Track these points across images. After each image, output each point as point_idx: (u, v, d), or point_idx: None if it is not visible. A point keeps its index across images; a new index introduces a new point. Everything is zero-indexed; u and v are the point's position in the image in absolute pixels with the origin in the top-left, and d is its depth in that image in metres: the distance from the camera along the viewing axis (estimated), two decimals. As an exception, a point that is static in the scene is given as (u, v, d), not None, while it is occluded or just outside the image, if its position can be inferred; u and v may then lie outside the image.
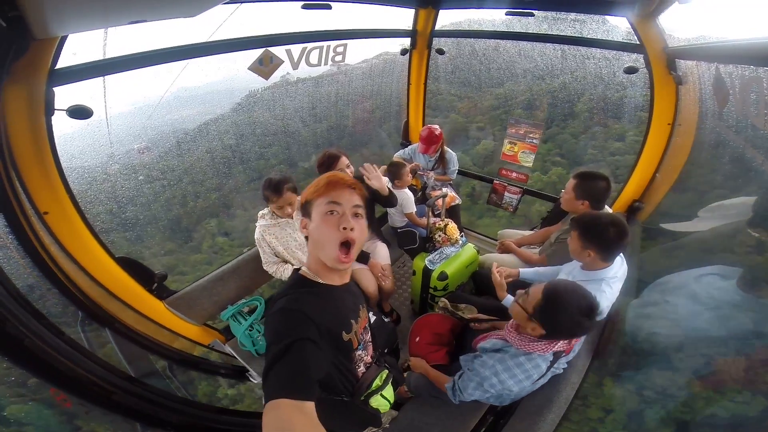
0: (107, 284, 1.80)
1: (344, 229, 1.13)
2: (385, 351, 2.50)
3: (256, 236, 2.55)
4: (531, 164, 3.63)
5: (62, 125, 1.61)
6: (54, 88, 1.51)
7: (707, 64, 2.36)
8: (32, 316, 1.31)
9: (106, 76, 1.78)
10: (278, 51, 2.46)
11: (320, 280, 1.21)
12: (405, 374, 2.24)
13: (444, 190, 3.69)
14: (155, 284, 2.21)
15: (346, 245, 1.15)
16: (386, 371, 1.55)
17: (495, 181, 3.92)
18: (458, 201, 3.75)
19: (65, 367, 1.37)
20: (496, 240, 3.65)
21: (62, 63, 1.52)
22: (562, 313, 1.44)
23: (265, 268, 2.59)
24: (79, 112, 1.57)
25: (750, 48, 1.81)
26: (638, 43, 2.66)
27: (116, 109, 2.11)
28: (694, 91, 2.63)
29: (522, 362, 1.56)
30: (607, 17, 2.81)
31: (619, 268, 1.94)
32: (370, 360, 1.54)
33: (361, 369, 1.47)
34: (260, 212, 2.61)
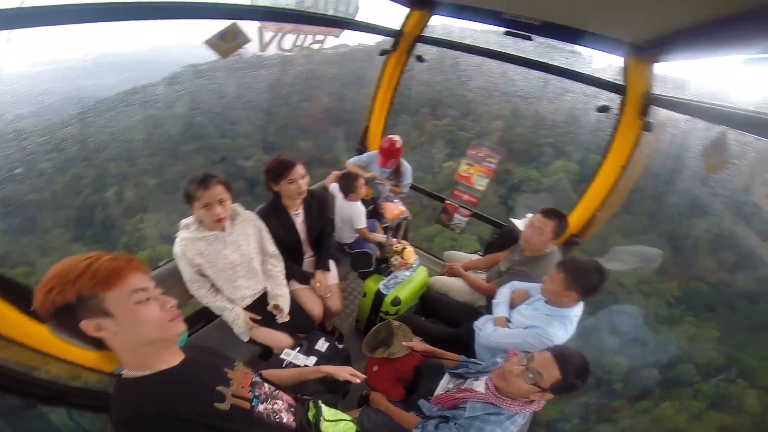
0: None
1: (171, 307, 1.04)
2: None
3: (174, 251, 2.01)
4: (484, 188, 3.62)
5: None
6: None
7: (703, 123, 2.16)
8: None
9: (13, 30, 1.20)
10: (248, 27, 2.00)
11: (150, 371, 1.02)
12: (360, 409, 2.05)
13: (396, 201, 3.57)
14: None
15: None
16: (310, 402, 1.52)
17: (447, 201, 3.87)
18: (407, 215, 3.65)
19: None
20: (442, 260, 3.63)
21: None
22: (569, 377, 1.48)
23: (188, 287, 2.08)
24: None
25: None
26: (622, 84, 2.61)
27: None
28: (655, 141, 2.67)
29: (516, 420, 1.60)
30: (605, 53, 2.63)
31: (580, 307, 2.07)
32: (292, 402, 1.44)
33: (287, 417, 1.32)
34: (183, 221, 2.04)
